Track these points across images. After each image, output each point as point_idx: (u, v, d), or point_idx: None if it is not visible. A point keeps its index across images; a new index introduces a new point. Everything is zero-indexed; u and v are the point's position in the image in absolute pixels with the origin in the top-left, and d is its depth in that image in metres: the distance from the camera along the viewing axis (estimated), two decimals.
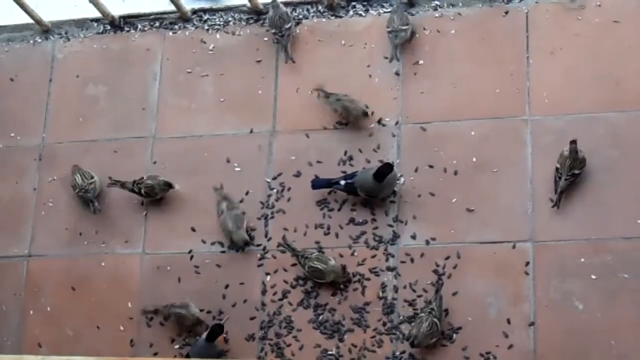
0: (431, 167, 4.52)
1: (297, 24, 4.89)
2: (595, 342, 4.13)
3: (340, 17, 4.91)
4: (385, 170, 4.36)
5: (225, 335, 4.44)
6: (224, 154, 4.77)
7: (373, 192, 4.46)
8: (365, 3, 4.90)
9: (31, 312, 4.74)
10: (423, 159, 4.54)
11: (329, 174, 4.58)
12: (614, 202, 4.28)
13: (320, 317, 4.43)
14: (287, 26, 4.78)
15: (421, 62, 4.71)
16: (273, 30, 4.81)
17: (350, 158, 4.62)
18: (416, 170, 4.54)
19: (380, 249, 4.47)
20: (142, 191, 4.67)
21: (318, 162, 4.66)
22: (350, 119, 4.63)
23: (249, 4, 4.98)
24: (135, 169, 4.80)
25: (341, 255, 4.47)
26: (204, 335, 4.34)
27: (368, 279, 4.44)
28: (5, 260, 4.85)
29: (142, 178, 4.69)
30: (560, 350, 4.16)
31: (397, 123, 4.62)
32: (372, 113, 4.65)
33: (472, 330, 4.27)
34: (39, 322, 4.72)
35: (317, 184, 4.56)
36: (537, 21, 4.63)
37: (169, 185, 4.69)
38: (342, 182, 4.48)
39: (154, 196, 4.70)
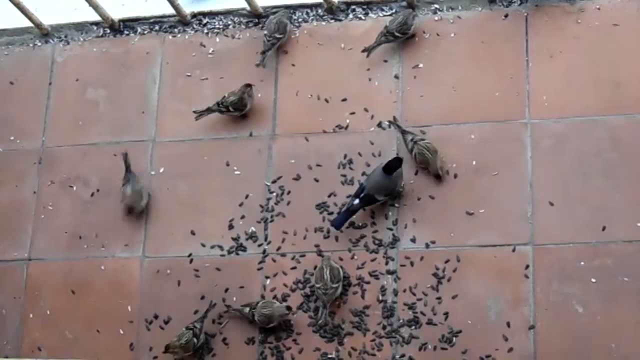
0: None
1: (297, 27, 4.90)
2: (595, 346, 4.12)
3: (340, 20, 4.91)
4: (395, 164, 4.35)
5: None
6: (223, 158, 4.77)
7: (388, 189, 4.42)
8: (365, 7, 4.89)
9: (31, 315, 4.74)
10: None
11: (328, 178, 4.58)
12: (614, 205, 4.28)
13: (320, 320, 4.42)
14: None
15: (421, 65, 4.71)
16: None
17: (350, 162, 4.61)
18: (416, 174, 4.53)
19: (380, 253, 4.47)
20: (230, 108, 4.72)
21: (318, 165, 4.65)
22: (428, 168, 4.48)
23: (248, 7, 4.98)
24: (135, 172, 4.79)
25: (341, 259, 4.47)
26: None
27: (368, 283, 4.44)
28: (4, 264, 4.85)
29: (224, 97, 4.73)
30: (560, 354, 4.15)
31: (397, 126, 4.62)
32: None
33: (471, 333, 4.26)
34: (39, 325, 4.71)
35: (338, 222, 4.45)
36: (537, 24, 4.63)
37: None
38: (356, 201, 4.42)
39: (244, 109, 4.73)
